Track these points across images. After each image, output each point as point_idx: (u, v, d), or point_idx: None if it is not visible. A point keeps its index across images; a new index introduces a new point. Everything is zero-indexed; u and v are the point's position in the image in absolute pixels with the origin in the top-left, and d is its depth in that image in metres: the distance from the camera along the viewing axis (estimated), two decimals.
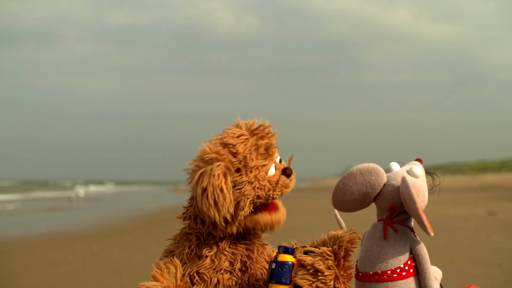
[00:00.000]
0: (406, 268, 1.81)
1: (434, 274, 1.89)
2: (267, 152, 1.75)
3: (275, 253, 1.74)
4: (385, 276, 1.80)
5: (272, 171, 1.75)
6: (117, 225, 12.84)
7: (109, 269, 7.09)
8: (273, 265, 1.70)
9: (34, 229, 12.36)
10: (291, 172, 1.78)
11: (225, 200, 1.65)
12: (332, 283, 1.66)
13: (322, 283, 1.65)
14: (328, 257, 1.68)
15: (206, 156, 1.69)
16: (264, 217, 1.76)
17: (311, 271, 1.67)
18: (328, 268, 1.67)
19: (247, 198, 1.72)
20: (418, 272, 1.83)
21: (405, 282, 1.80)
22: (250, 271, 1.79)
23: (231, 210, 1.68)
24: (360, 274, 1.86)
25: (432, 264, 1.93)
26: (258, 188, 1.72)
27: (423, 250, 1.85)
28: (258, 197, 1.73)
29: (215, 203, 1.66)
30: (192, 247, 1.81)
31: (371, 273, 1.83)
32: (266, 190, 1.73)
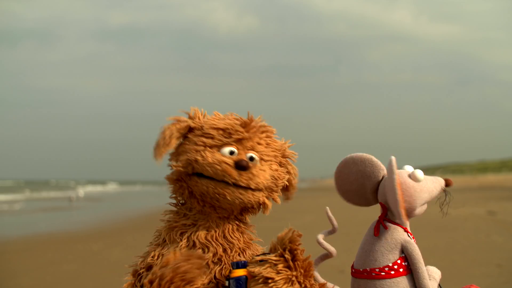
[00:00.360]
0: (395, 267, 1.81)
1: (433, 274, 1.88)
2: (230, 135, 1.84)
3: (228, 270, 1.76)
4: (373, 274, 1.81)
5: (224, 151, 1.82)
6: (117, 225, 12.83)
7: (109, 269, 7.10)
8: (227, 283, 1.74)
9: (34, 229, 12.37)
10: (242, 166, 1.79)
11: (163, 142, 1.84)
12: (285, 286, 1.67)
13: None
14: (276, 262, 1.70)
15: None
16: (204, 181, 1.81)
17: (260, 280, 1.69)
18: (278, 272, 1.68)
19: (185, 155, 1.84)
20: (412, 272, 1.83)
21: (394, 281, 1.80)
22: (223, 264, 1.81)
23: (163, 151, 1.84)
24: (353, 270, 1.88)
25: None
26: (199, 152, 1.82)
27: (414, 250, 1.84)
28: (196, 161, 1.81)
29: (157, 144, 1.85)
30: (174, 233, 1.88)
31: (361, 270, 1.84)
32: (201, 159, 1.80)
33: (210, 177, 1.81)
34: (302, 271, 1.71)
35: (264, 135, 1.90)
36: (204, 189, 1.82)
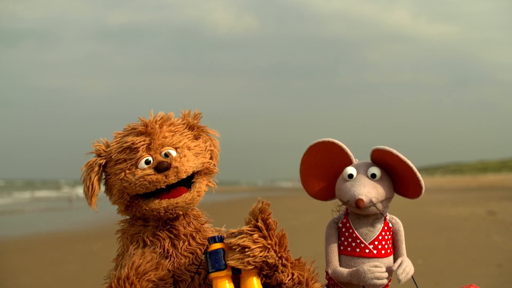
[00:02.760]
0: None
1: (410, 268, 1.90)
2: (136, 149, 1.91)
3: (206, 246, 1.84)
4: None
5: (141, 165, 1.90)
6: (117, 225, 12.75)
7: (109, 269, 7.08)
8: (204, 257, 1.81)
9: (34, 229, 12.36)
10: (163, 167, 1.86)
11: (87, 189, 1.97)
12: (262, 253, 1.75)
13: (252, 256, 1.74)
14: (251, 233, 1.77)
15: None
16: (152, 203, 1.90)
17: (238, 249, 1.76)
18: (254, 242, 1.75)
19: (115, 188, 1.94)
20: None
21: None
22: (173, 258, 1.91)
23: (93, 200, 1.98)
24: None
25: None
26: (122, 179, 1.90)
27: None
28: (126, 188, 1.90)
29: (85, 195, 1.99)
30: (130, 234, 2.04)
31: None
32: (127, 184, 1.89)
33: (146, 193, 1.89)
34: (276, 240, 1.78)
35: (164, 127, 1.96)
36: (154, 214, 1.91)
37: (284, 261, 1.78)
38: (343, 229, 1.93)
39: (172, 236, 1.94)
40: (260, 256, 1.74)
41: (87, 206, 2.02)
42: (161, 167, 1.85)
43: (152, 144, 1.92)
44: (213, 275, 1.78)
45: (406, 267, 1.89)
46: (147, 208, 1.90)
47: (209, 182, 1.99)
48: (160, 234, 1.94)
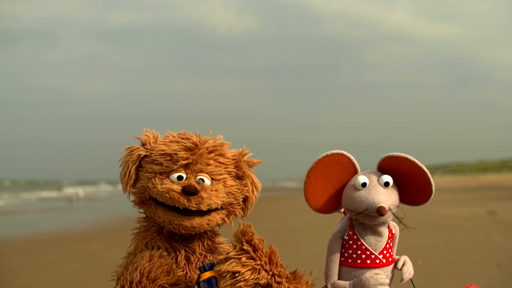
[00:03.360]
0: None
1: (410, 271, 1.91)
2: (176, 162, 1.90)
3: (197, 275, 1.83)
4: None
5: (172, 177, 1.89)
6: (117, 225, 12.80)
7: (109, 269, 7.08)
8: (197, 287, 1.80)
9: (34, 229, 12.37)
10: (190, 191, 1.85)
11: (123, 175, 1.95)
12: (253, 276, 1.74)
13: (243, 280, 1.74)
14: (239, 256, 1.76)
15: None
16: (161, 212, 1.90)
17: (228, 276, 1.75)
18: (243, 265, 1.74)
19: (140, 182, 1.94)
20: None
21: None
22: (184, 272, 1.91)
23: (128, 188, 1.96)
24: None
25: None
26: (150, 180, 1.90)
27: None
28: (149, 188, 1.90)
29: (121, 180, 1.98)
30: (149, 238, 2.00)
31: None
32: (152, 186, 1.89)
33: (164, 203, 1.89)
34: (266, 259, 1.77)
35: (212, 154, 1.93)
36: (160, 221, 1.91)
37: (277, 278, 1.77)
38: (350, 242, 1.89)
39: (188, 250, 1.95)
40: (252, 279, 1.74)
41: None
42: (188, 191, 1.85)
43: (193, 165, 1.90)
44: None
45: (410, 267, 1.91)
46: (156, 212, 1.91)
47: (227, 218, 1.97)
48: (176, 245, 1.95)
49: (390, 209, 1.84)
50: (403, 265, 1.90)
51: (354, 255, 1.88)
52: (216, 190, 1.89)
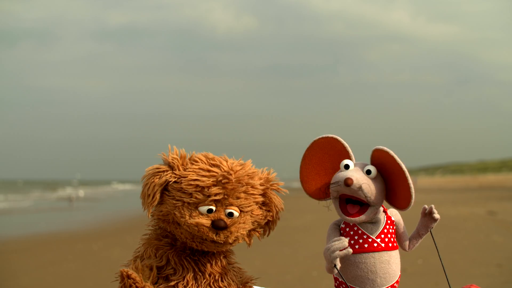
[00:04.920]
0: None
1: None
2: (207, 196, 1.81)
3: None
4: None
5: (202, 209, 1.81)
6: (117, 225, 12.82)
7: (109, 269, 7.09)
8: None
9: (34, 229, 12.37)
10: (220, 226, 1.80)
11: (147, 196, 1.85)
12: None
13: None
14: None
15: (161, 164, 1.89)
16: (184, 232, 1.83)
17: None
18: None
19: (166, 207, 1.84)
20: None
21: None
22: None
23: (150, 209, 1.86)
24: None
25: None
26: (177, 208, 1.82)
27: None
28: (175, 215, 1.82)
29: (143, 199, 1.88)
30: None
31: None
32: (180, 215, 1.81)
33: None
34: None
35: (244, 188, 1.86)
36: (181, 237, 1.85)
37: None
38: (347, 229, 1.92)
39: (197, 269, 1.88)
40: None
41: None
42: (218, 226, 1.79)
43: (223, 199, 1.83)
44: None
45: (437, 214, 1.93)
46: (178, 229, 1.84)
47: (247, 239, 1.93)
48: (185, 261, 1.88)
49: (360, 186, 1.85)
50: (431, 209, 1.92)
51: (352, 241, 1.88)
52: (244, 223, 1.85)
